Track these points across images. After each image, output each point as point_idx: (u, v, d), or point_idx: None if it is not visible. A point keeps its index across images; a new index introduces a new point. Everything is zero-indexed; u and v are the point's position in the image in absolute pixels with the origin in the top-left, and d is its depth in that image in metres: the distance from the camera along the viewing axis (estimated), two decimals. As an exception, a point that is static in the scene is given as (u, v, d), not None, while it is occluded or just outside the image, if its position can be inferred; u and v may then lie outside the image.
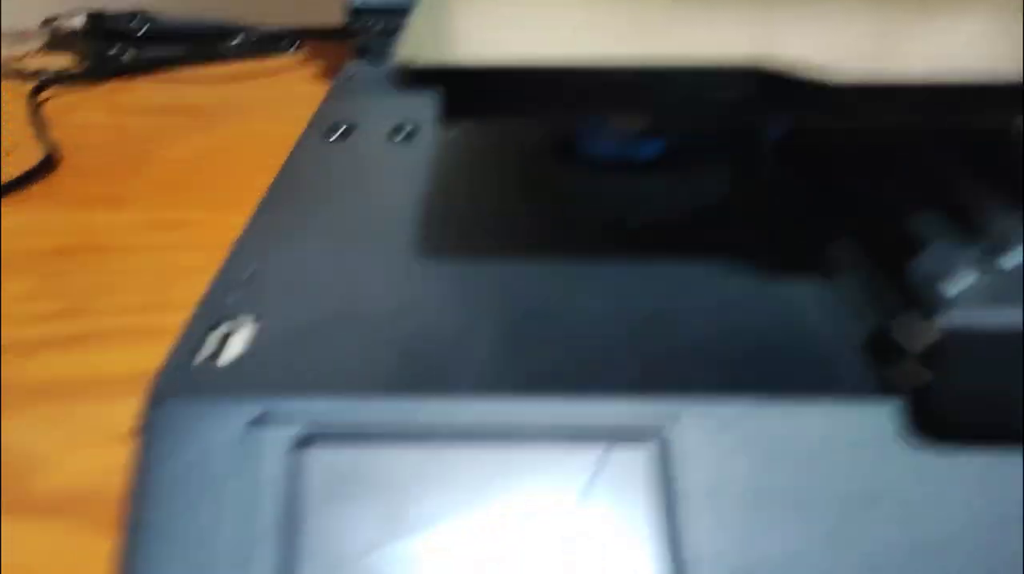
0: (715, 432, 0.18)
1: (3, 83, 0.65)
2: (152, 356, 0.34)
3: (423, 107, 0.20)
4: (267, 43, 0.71)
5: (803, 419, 0.19)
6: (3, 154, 0.53)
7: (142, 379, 0.33)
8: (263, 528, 0.18)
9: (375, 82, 0.42)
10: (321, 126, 0.35)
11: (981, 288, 0.18)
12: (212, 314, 0.22)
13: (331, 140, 0.34)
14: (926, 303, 0.17)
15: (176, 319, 0.36)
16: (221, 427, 0.19)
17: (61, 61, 0.70)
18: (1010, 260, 0.18)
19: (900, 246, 0.20)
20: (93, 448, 0.30)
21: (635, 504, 0.18)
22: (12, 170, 0.49)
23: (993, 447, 0.18)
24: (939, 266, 0.18)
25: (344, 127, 0.34)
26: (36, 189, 0.49)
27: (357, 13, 0.44)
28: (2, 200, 0.47)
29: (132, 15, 0.72)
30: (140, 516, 0.18)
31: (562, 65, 0.19)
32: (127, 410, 0.31)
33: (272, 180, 0.30)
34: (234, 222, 0.43)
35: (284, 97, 0.63)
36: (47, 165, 0.51)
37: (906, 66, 0.19)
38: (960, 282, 0.18)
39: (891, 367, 0.19)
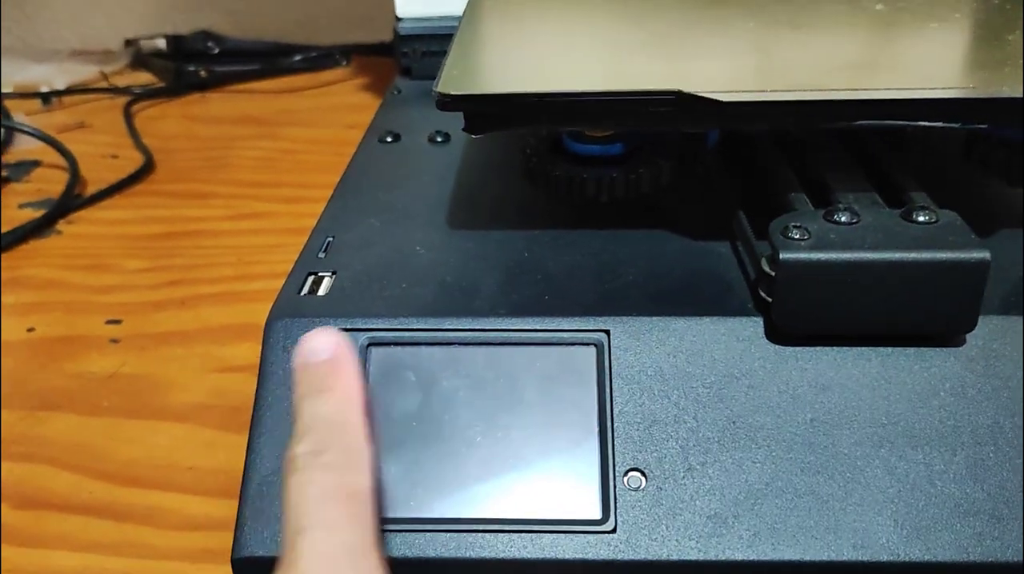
0: (636, 338, 0.28)
1: (100, 97, 0.76)
2: (241, 313, 0.45)
3: (455, 119, 0.29)
4: (321, 59, 0.80)
5: (697, 329, 0.28)
6: (109, 158, 0.64)
7: (236, 329, 0.43)
8: (346, 398, 0.27)
9: (417, 97, 0.51)
10: (376, 132, 0.45)
11: (813, 237, 0.27)
12: (304, 268, 0.32)
13: (385, 143, 0.43)
14: (774, 247, 0.27)
15: (257, 287, 0.47)
16: (317, 335, 0.28)
17: (145, 77, 0.81)
18: (841, 221, 0.27)
19: (778, 213, 0.29)
20: (206, 374, 0.40)
21: (584, 383, 0.27)
22: (119, 173, 0.60)
23: (824, 346, 0.27)
24: (788, 222, 0.27)
25: (395, 133, 0.44)
26: (139, 187, 0.59)
27: (403, 38, 0.54)
28: (115, 196, 0.58)
29: (203, 36, 0.82)
30: (263, 398, 0.28)
31: (546, 92, 0.29)
32: (228, 350, 0.41)
33: (340, 175, 0.39)
34: (299, 211, 0.54)
35: (338, 106, 0.73)
36: (147, 168, 0.61)
37: (776, 87, 0.29)
38: (796, 232, 0.27)
39: (758, 293, 0.28)
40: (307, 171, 0.60)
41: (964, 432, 0.27)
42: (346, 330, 0.28)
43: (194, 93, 0.77)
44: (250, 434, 0.28)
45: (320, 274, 0.31)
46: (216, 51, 0.79)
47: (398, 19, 0.54)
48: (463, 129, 0.30)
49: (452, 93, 0.29)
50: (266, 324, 0.29)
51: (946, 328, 0.27)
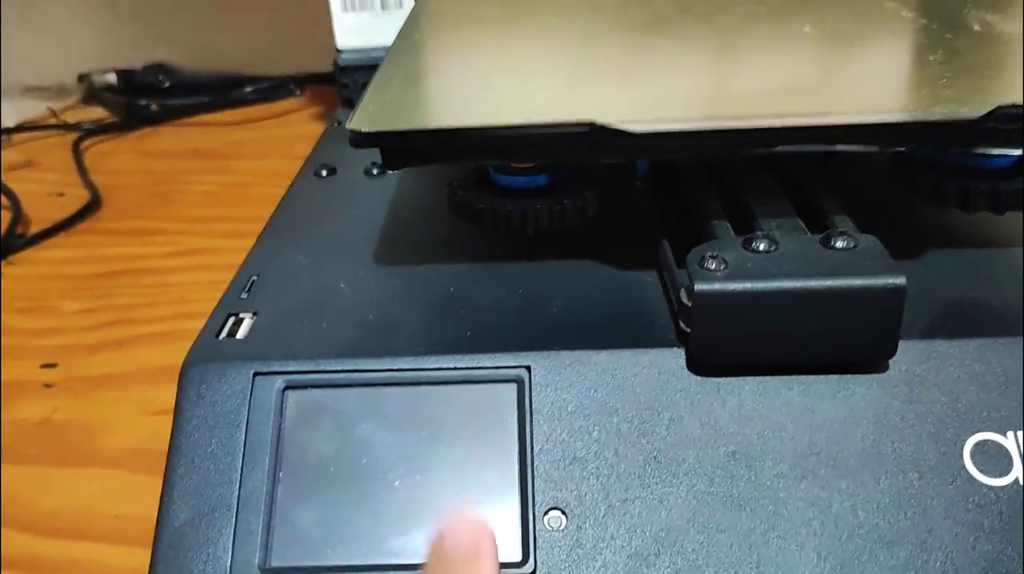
0: (557, 373, 0.27)
1: (50, 134, 0.75)
2: (178, 353, 0.44)
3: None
4: (274, 90, 0.80)
5: (618, 362, 0.27)
6: (56, 196, 0.63)
7: (172, 369, 0.42)
8: (260, 444, 0.27)
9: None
10: (312, 165, 0.44)
11: (730, 266, 0.26)
12: (225, 309, 0.31)
13: (320, 176, 0.43)
14: (690, 278, 0.26)
15: (195, 326, 0.46)
16: (233, 380, 0.28)
17: (97, 112, 0.80)
18: (759, 250, 0.27)
19: (703, 241, 0.29)
20: (140, 417, 0.39)
21: (505, 422, 0.27)
22: (65, 211, 0.59)
23: (745, 377, 0.27)
24: (705, 252, 0.27)
25: (330, 166, 0.44)
26: (84, 226, 0.59)
27: (342, 69, 0.53)
28: (59, 235, 0.57)
29: (156, 69, 0.82)
30: (176, 446, 0.28)
31: (459, 127, 0.29)
32: (163, 392, 0.40)
33: (272, 211, 0.39)
34: (243, 246, 0.53)
35: (290, 137, 0.72)
36: (92, 206, 0.61)
37: (693, 115, 0.28)
38: (712, 262, 0.27)
39: (679, 324, 0.28)
40: (254, 204, 0.59)
41: (887, 460, 0.26)
42: (261, 374, 0.28)
43: (146, 127, 0.76)
44: (163, 484, 0.27)
45: (241, 315, 0.31)
46: (167, 84, 0.79)
47: (338, 51, 0.54)
48: (380, 165, 0.30)
49: (363, 130, 0.28)
50: (181, 369, 0.29)
51: (867, 355, 0.27)
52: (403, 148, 0.30)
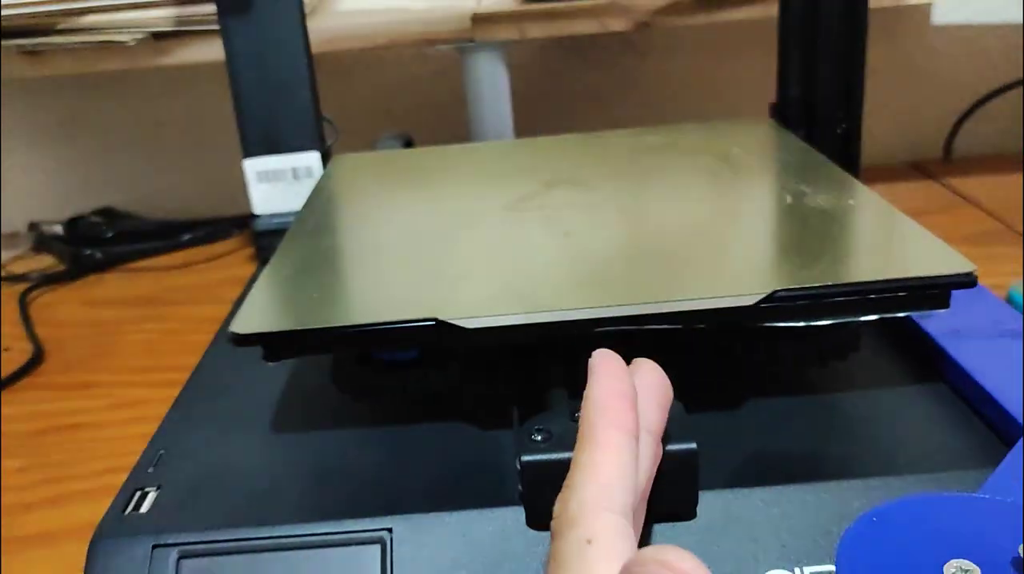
0: (416, 533, 0.32)
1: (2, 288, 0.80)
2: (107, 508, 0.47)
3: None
4: (212, 233, 0.85)
5: (467, 521, 0.32)
6: (3, 351, 0.67)
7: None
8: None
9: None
10: (224, 334, 0.49)
11: (554, 437, 0.31)
12: (132, 484, 0.36)
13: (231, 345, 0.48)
14: (518, 449, 0.31)
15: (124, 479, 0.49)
16: (135, 553, 0.32)
17: (46, 261, 0.85)
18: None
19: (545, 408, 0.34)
20: (68, 575, 0.43)
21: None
22: (10, 367, 0.63)
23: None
24: (534, 425, 0.32)
25: (243, 331, 0.49)
26: (27, 381, 0.63)
27: (259, 234, 0.59)
28: (3, 392, 0.61)
29: (102, 217, 0.87)
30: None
31: (326, 327, 0.34)
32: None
33: (185, 381, 0.44)
34: (176, 396, 0.56)
35: (225, 280, 0.77)
36: (36, 360, 0.65)
37: (519, 308, 0.34)
38: (538, 435, 0.32)
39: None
40: (188, 352, 0.63)
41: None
42: (159, 546, 0.32)
43: (91, 275, 0.81)
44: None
45: (146, 489, 0.35)
46: (110, 234, 0.84)
47: (255, 216, 0.59)
48: (262, 357, 0.35)
49: (241, 333, 0.33)
50: (89, 544, 0.33)
51: (671, 508, 0.32)
52: (277, 345, 0.35)
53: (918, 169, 0.90)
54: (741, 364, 0.38)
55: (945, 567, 0.24)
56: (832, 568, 0.31)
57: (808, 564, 0.31)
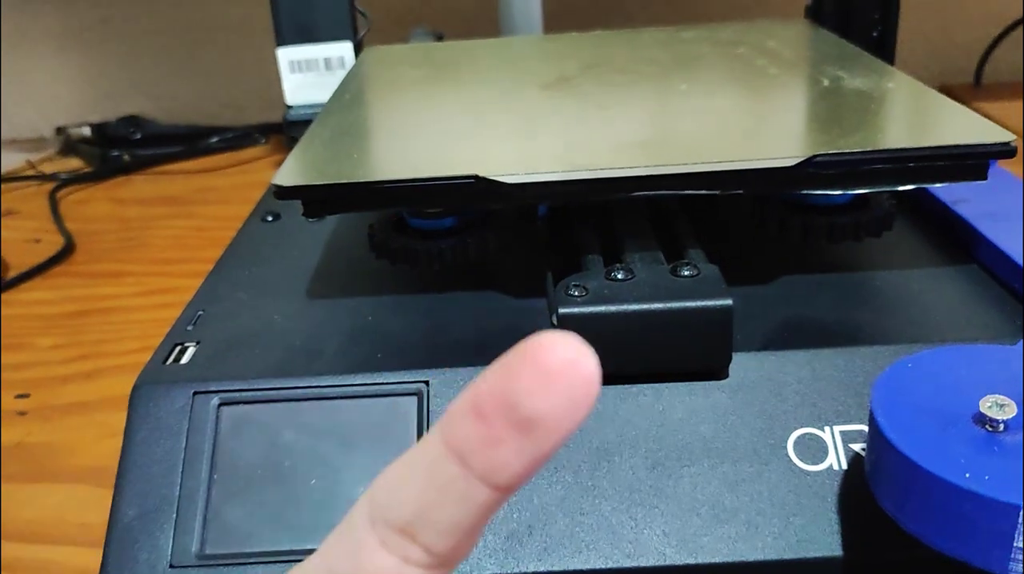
0: (452, 386, 0.33)
1: (28, 184, 0.80)
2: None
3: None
4: (239, 139, 0.85)
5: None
6: (32, 243, 0.68)
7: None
8: (198, 452, 0.32)
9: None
10: (260, 212, 0.49)
11: (590, 293, 0.32)
12: (172, 339, 0.36)
13: (266, 222, 0.48)
14: (556, 303, 0.32)
15: (160, 357, 0.50)
16: (175, 399, 0.33)
17: (73, 163, 0.85)
18: (617, 278, 0.32)
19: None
20: (103, 439, 0.44)
21: (407, 430, 0.32)
22: (41, 256, 0.64)
23: (607, 385, 0.32)
24: (571, 282, 0.32)
25: (275, 213, 0.49)
26: (59, 269, 0.64)
27: (291, 124, 0.59)
28: (35, 278, 0.62)
29: (128, 121, 0.87)
30: (127, 457, 0.33)
31: (367, 181, 0.34)
32: (124, 417, 0.45)
33: (222, 253, 0.44)
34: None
35: (252, 183, 0.77)
36: (66, 251, 0.66)
37: (561, 167, 0.34)
38: (575, 290, 0.32)
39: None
40: (217, 247, 0.64)
41: (724, 451, 0.31)
42: (200, 393, 0.33)
43: (119, 176, 0.82)
44: (115, 489, 0.32)
45: (186, 344, 0.36)
46: (139, 136, 0.84)
47: (288, 107, 0.59)
48: (302, 214, 0.35)
49: (284, 185, 0.34)
50: (131, 390, 0.34)
51: (705, 365, 0.32)
52: (318, 200, 0.35)
53: (948, 93, 0.89)
54: (776, 240, 0.39)
55: (981, 402, 0.25)
56: (863, 427, 0.32)
57: (838, 423, 0.32)
